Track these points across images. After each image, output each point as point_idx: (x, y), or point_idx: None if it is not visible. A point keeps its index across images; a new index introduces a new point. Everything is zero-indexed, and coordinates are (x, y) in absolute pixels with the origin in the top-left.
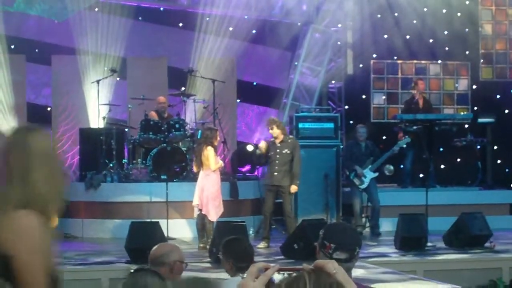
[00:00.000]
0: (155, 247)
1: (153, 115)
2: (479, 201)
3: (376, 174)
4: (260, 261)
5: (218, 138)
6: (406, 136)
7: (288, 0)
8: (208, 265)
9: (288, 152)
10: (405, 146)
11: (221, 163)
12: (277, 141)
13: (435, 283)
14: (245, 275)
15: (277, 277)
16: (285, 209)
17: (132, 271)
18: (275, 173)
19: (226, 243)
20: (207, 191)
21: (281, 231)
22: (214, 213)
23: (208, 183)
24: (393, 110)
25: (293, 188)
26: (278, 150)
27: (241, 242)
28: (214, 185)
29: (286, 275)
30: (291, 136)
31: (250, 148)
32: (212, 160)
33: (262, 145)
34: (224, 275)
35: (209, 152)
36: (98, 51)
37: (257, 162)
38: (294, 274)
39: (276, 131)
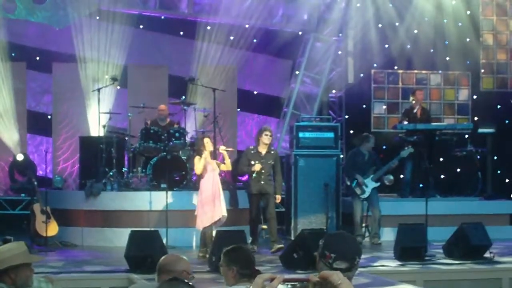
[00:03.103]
0: (164, 256)
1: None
2: (479, 211)
3: (378, 184)
4: (260, 269)
5: (208, 144)
6: (410, 146)
7: (289, 9)
8: (208, 275)
9: (272, 163)
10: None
11: (201, 162)
12: (263, 151)
13: None
14: (250, 287)
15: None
16: (270, 211)
17: (166, 280)
18: (262, 182)
19: (228, 251)
20: (196, 199)
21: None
22: (198, 221)
23: (199, 191)
24: (394, 119)
25: (279, 198)
26: (263, 160)
27: (243, 249)
28: (201, 193)
29: (290, 286)
30: (273, 148)
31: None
32: (196, 166)
33: (257, 168)
34: (223, 285)
35: (194, 160)
36: (99, 59)
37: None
38: (299, 285)
39: (269, 140)
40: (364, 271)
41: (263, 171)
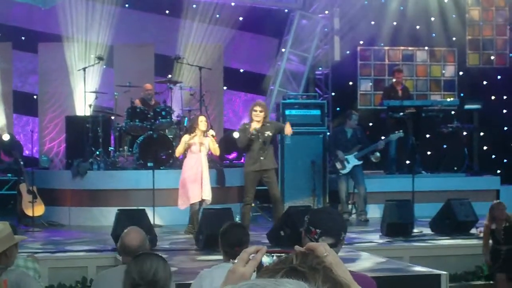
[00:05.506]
0: (125, 234)
1: (137, 103)
2: (466, 187)
3: (360, 162)
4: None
5: (202, 122)
6: (400, 131)
7: None
8: (197, 256)
9: (270, 134)
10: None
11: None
12: (258, 125)
13: (421, 269)
14: (236, 261)
15: (267, 260)
16: (274, 192)
17: (136, 256)
18: (261, 158)
19: (224, 229)
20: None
21: (267, 218)
22: (179, 201)
23: (182, 171)
24: (380, 96)
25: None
26: (260, 134)
27: (230, 229)
28: (183, 173)
29: (275, 257)
30: (269, 120)
31: (236, 135)
32: (178, 147)
33: (253, 126)
34: (209, 263)
35: (182, 139)
36: (85, 38)
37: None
38: (285, 256)
39: (262, 115)
40: (350, 248)
41: (262, 145)
